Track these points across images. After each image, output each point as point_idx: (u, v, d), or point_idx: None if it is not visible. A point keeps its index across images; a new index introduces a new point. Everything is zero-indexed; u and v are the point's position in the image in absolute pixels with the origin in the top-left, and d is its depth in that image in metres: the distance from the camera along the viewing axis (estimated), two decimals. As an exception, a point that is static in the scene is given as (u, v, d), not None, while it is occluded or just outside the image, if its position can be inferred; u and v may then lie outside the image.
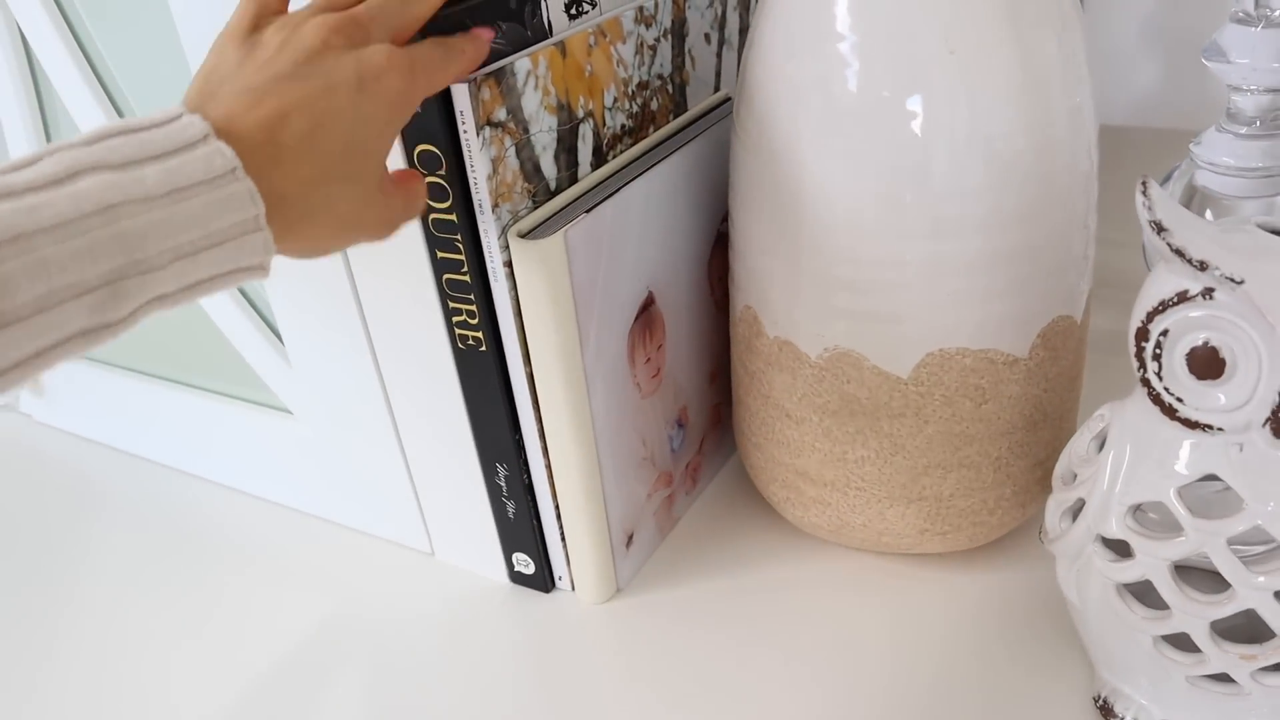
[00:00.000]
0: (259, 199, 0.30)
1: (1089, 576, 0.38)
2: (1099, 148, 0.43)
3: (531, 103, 0.42)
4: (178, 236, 0.29)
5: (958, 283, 0.41)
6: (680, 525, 0.56)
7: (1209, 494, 0.36)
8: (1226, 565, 0.34)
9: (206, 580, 0.57)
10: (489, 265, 0.43)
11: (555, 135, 0.43)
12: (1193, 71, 0.67)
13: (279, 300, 0.52)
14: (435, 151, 0.40)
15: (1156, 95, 0.70)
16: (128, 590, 0.58)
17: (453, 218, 0.42)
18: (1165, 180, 0.56)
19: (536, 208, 0.43)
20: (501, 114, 0.40)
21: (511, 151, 0.41)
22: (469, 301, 0.44)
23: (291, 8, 0.37)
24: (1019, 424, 0.45)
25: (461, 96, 0.39)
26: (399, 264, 0.44)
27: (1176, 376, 0.34)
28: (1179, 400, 0.34)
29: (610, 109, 0.46)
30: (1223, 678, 0.37)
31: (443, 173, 0.41)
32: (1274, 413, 0.32)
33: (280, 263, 0.34)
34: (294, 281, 0.50)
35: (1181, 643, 0.37)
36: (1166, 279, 0.34)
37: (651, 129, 0.50)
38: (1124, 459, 0.37)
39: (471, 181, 0.41)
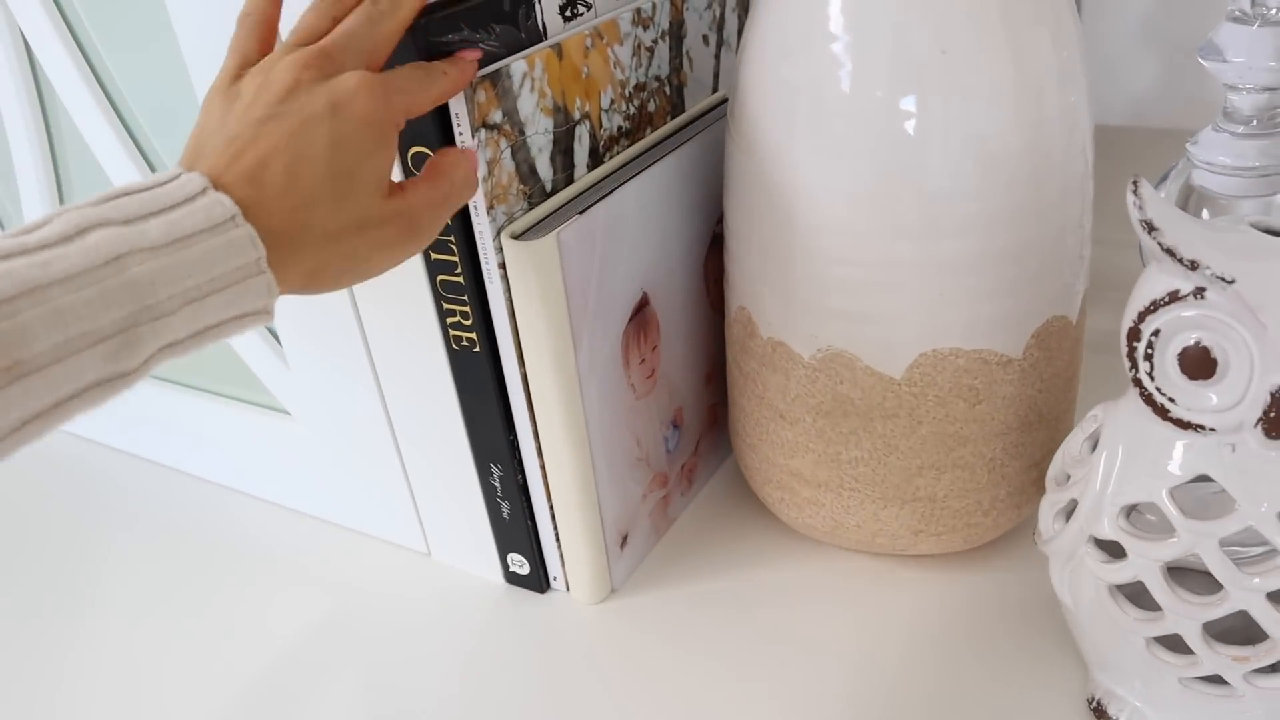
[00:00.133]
0: (259, 243, 0.32)
1: (1082, 578, 0.38)
2: (1095, 147, 0.43)
3: (527, 105, 0.42)
4: (184, 281, 0.30)
5: (950, 283, 0.41)
6: (675, 526, 0.56)
7: (1205, 495, 0.36)
8: (1218, 566, 0.34)
9: (203, 579, 0.58)
10: (484, 267, 0.43)
11: (551, 137, 0.43)
12: (1189, 71, 0.67)
13: (278, 302, 0.52)
14: (430, 154, 0.40)
15: (1153, 95, 0.70)
16: (125, 589, 0.58)
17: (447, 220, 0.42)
18: (1162, 180, 0.56)
19: (532, 209, 0.43)
20: (497, 116, 0.40)
21: (507, 153, 0.41)
22: (463, 303, 0.44)
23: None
24: (1014, 425, 0.45)
25: (456, 99, 0.39)
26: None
27: (1168, 377, 0.34)
28: (1171, 401, 0.34)
29: (607, 111, 0.46)
30: (1215, 679, 0.36)
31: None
32: (1266, 413, 0.32)
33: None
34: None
35: (1174, 644, 0.37)
36: (1158, 278, 0.34)
37: (649, 130, 0.50)
38: (1116, 460, 0.37)
39: (467, 183, 0.41)
